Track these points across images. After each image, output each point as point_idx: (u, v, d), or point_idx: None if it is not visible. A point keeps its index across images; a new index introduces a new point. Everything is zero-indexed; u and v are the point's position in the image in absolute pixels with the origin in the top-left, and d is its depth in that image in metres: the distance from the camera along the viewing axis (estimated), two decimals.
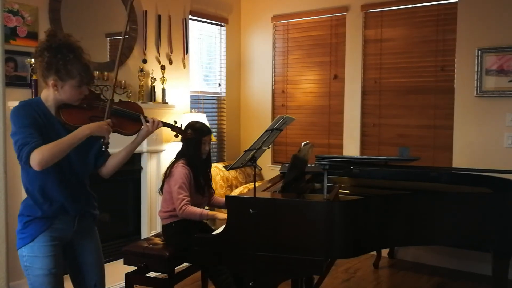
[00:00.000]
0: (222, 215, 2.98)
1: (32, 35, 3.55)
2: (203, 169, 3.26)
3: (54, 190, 2.04)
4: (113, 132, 2.13)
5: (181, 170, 3.08)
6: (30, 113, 1.95)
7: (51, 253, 2.03)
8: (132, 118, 2.21)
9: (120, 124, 2.16)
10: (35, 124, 1.93)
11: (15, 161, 3.27)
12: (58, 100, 2.02)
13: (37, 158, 1.85)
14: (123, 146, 2.24)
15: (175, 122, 2.48)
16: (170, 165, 3.19)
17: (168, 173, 3.15)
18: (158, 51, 4.58)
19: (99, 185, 2.51)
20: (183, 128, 2.67)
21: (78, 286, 2.23)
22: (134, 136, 2.23)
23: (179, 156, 3.21)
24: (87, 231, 2.21)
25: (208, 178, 3.32)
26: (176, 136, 2.50)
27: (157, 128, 2.23)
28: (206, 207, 3.35)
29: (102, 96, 2.25)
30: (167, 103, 4.54)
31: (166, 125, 2.37)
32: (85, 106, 2.09)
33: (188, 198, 3.04)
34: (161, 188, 3.23)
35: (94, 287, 2.22)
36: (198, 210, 3.03)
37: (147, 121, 2.20)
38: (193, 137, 3.07)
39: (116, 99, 2.28)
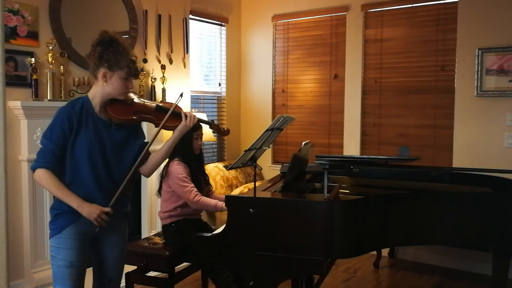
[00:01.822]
0: None
1: (32, 35, 3.55)
2: (198, 164, 3.27)
3: (87, 187, 2.12)
4: (156, 127, 2.26)
5: (177, 167, 3.09)
6: (67, 119, 2.08)
7: (75, 247, 2.12)
8: (173, 114, 2.30)
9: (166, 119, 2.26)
10: (63, 135, 2.08)
11: (15, 161, 3.28)
12: (105, 93, 2.15)
13: (38, 177, 2.10)
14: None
15: (212, 121, 2.61)
16: (165, 166, 3.19)
17: (164, 173, 3.15)
18: (158, 51, 4.58)
19: None
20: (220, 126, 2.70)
21: (96, 278, 2.31)
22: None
23: (172, 155, 3.19)
24: (116, 227, 2.27)
25: (203, 173, 3.33)
26: (214, 134, 2.60)
27: (193, 122, 2.32)
28: None
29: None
30: (167, 102, 4.53)
31: (201, 121, 2.47)
32: (129, 102, 2.22)
33: (196, 189, 3.05)
34: (159, 190, 3.23)
35: (108, 282, 2.29)
36: (212, 201, 3.06)
37: (186, 116, 2.30)
38: (184, 134, 3.10)
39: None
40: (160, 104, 2.33)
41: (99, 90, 2.15)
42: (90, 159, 2.11)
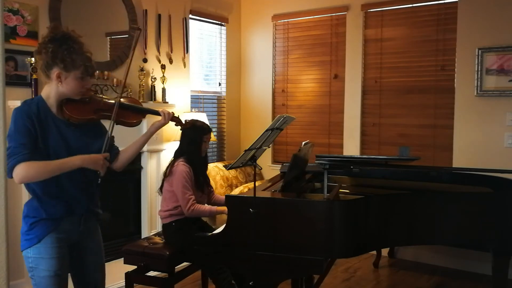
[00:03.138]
0: None
1: (32, 34, 3.55)
2: (202, 167, 3.29)
3: (60, 187, 2.01)
4: (116, 124, 2.16)
5: (182, 168, 3.09)
6: (28, 117, 1.93)
7: (57, 255, 2.01)
8: (134, 110, 2.26)
9: (123, 115, 2.19)
10: (30, 132, 1.92)
11: None
12: (60, 94, 2.02)
13: (21, 173, 1.86)
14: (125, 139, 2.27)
15: (178, 116, 2.54)
16: (170, 164, 3.20)
17: (168, 172, 3.15)
18: (158, 51, 4.58)
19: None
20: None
21: (78, 285, 2.23)
22: (133, 128, 2.29)
23: (178, 154, 3.21)
24: (92, 231, 2.21)
25: (206, 175, 3.34)
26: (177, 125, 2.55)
27: (169, 119, 2.29)
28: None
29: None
30: (167, 102, 4.54)
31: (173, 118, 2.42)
32: (87, 99, 2.11)
33: (194, 197, 3.06)
34: (161, 188, 3.23)
35: (94, 287, 2.22)
36: (207, 207, 3.10)
37: (163, 113, 2.27)
38: (195, 135, 3.12)
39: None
40: (118, 100, 2.22)
41: (53, 91, 2.01)
42: None
